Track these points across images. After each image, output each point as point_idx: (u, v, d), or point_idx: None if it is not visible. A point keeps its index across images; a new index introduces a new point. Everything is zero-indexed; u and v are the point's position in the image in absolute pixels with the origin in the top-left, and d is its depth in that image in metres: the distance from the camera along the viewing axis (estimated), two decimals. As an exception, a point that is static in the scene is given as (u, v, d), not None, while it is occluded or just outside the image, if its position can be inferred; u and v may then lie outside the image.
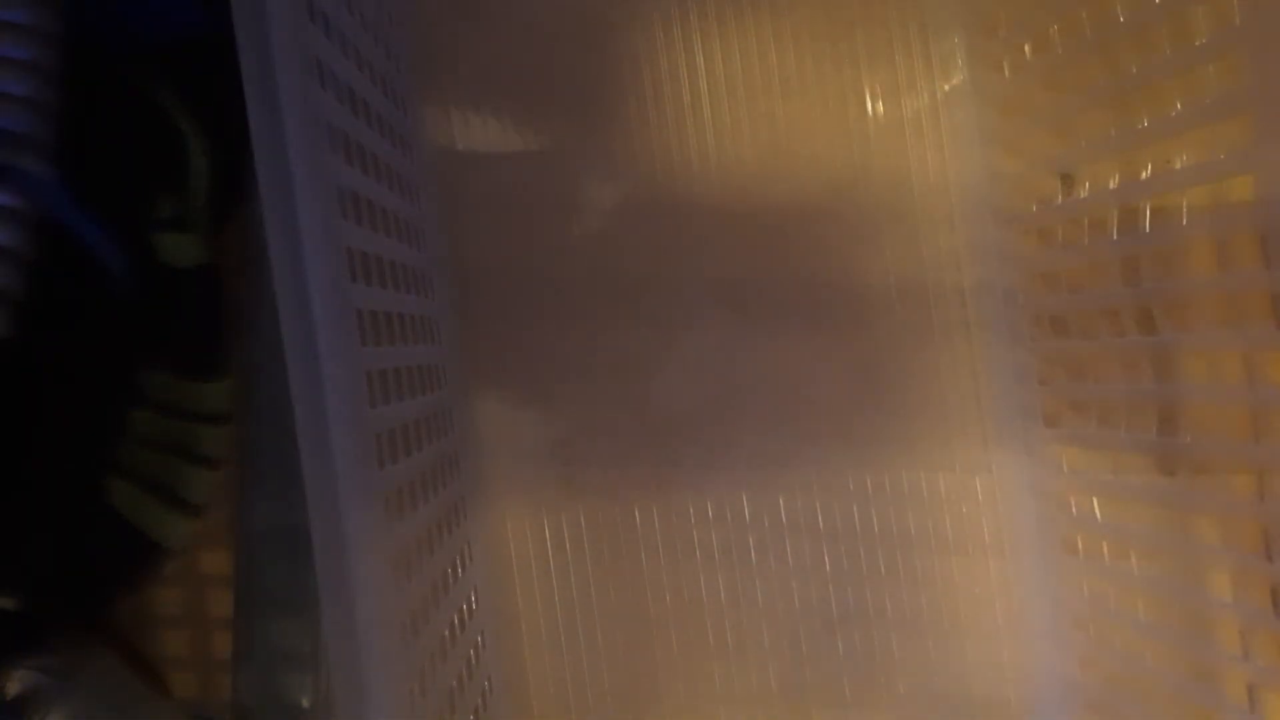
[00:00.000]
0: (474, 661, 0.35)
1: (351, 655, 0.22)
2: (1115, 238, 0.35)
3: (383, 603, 0.24)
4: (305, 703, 0.35)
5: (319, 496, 0.22)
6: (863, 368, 0.41)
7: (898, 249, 0.41)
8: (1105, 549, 0.38)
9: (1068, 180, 0.38)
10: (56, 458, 0.33)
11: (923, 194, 0.41)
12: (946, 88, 0.41)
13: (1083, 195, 0.37)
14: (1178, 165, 0.32)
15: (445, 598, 0.33)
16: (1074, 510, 0.40)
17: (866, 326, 0.41)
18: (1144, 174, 0.33)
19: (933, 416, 0.41)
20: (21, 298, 0.29)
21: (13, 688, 0.33)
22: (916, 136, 0.41)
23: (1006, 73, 0.40)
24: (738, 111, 0.40)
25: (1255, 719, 0.30)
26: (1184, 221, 0.32)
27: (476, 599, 0.37)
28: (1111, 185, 0.35)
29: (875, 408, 0.41)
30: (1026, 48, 0.38)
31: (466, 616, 0.36)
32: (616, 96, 0.40)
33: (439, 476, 0.34)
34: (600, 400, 0.40)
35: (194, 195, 0.34)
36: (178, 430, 0.34)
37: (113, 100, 0.33)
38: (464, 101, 0.40)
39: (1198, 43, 0.29)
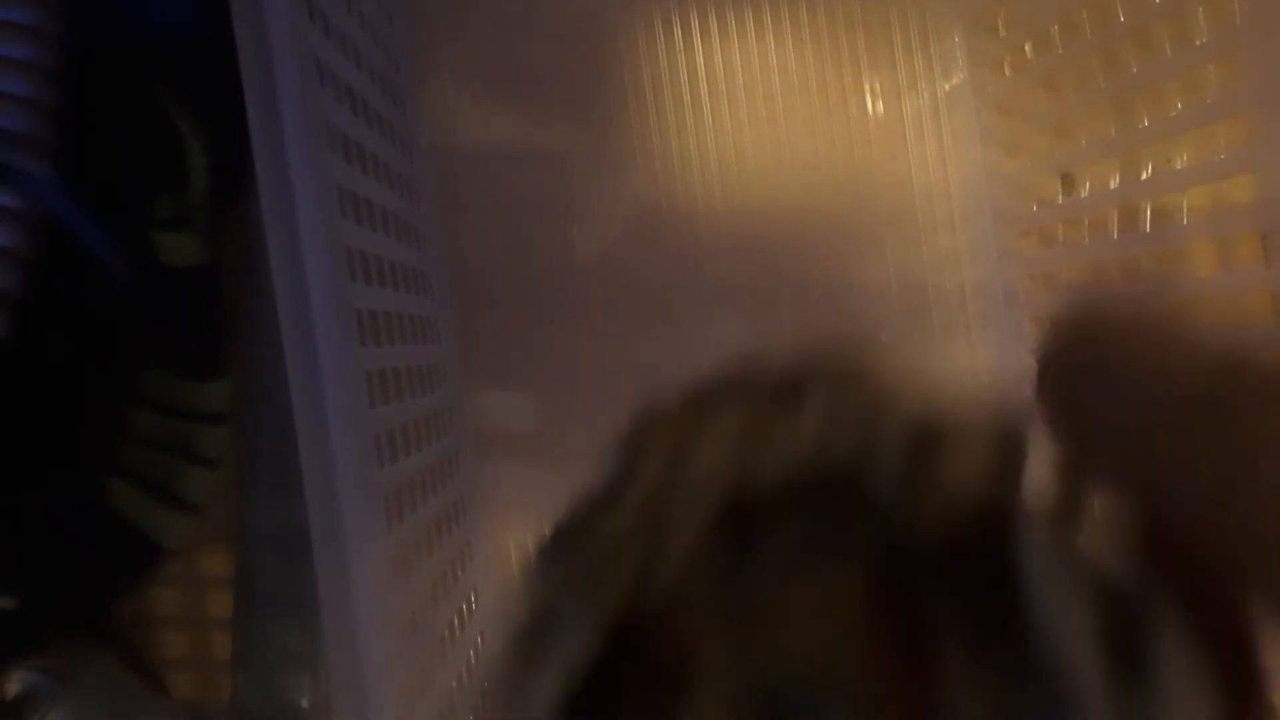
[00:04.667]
0: (474, 661, 0.35)
1: (351, 655, 0.22)
2: (1115, 238, 0.35)
3: (383, 603, 0.24)
4: (305, 703, 0.35)
5: (319, 496, 0.22)
6: (863, 368, 0.41)
7: (898, 249, 0.41)
8: (1105, 549, 0.38)
9: (1068, 180, 0.38)
10: (56, 458, 0.33)
11: (923, 194, 0.41)
12: (947, 87, 0.41)
13: (1083, 195, 0.37)
14: (1178, 165, 0.32)
15: (445, 598, 0.33)
16: (1074, 510, 0.39)
17: (866, 327, 0.41)
18: (1144, 174, 0.33)
19: (933, 416, 0.41)
20: (21, 298, 0.29)
21: (13, 688, 0.33)
22: (917, 136, 0.41)
23: (1007, 72, 0.40)
24: (738, 111, 0.40)
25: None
26: (1184, 221, 0.32)
27: (476, 599, 0.37)
28: (1111, 185, 0.35)
29: (875, 408, 0.41)
30: (1027, 47, 0.38)
31: (466, 617, 0.36)
32: (617, 96, 0.40)
33: (439, 476, 0.34)
34: (599, 399, 0.40)
35: (194, 195, 0.34)
36: (177, 430, 0.34)
37: (113, 100, 0.33)
38: (464, 101, 0.40)
39: (1198, 43, 0.29)
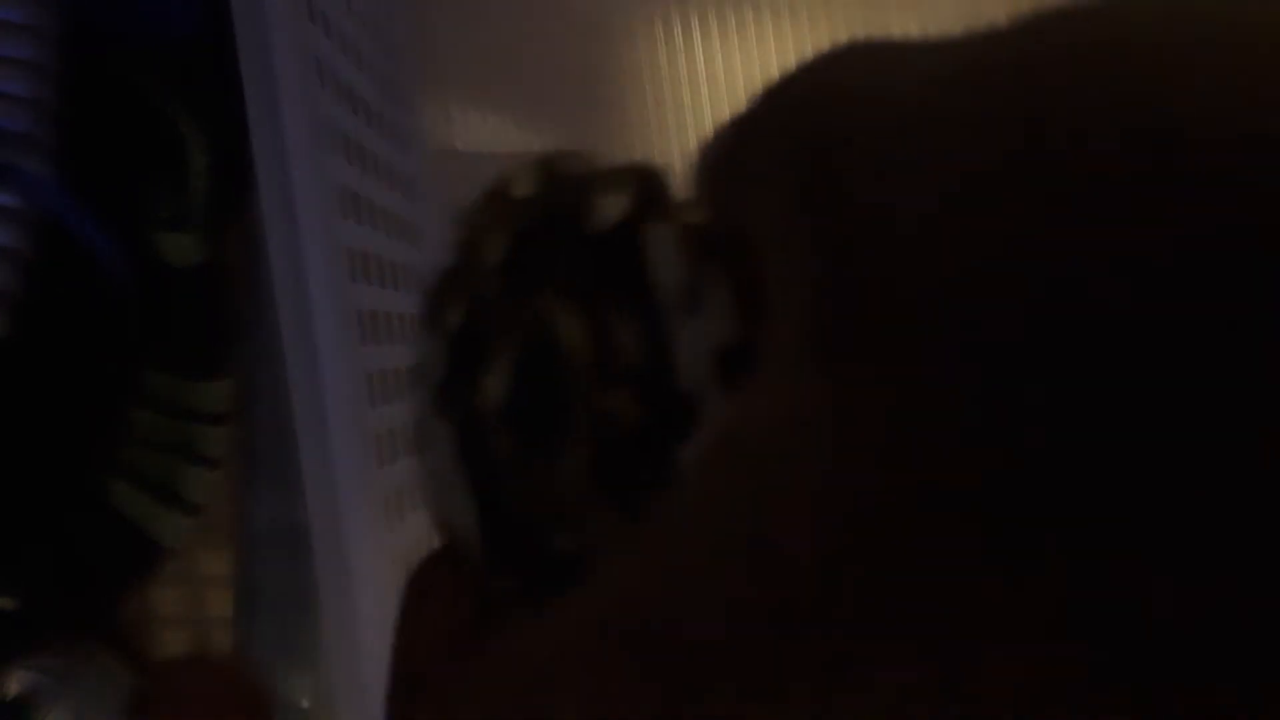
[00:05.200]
0: (474, 661, 0.35)
1: (351, 655, 0.22)
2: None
3: (383, 603, 0.24)
4: (305, 703, 0.35)
5: (319, 496, 0.22)
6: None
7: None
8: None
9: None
10: (57, 458, 0.33)
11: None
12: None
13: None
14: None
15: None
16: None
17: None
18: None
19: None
20: (21, 298, 0.29)
21: (13, 688, 0.33)
22: (917, 136, 0.41)
23: (1007, 72, 0.40)
24: (737, 107, 0.40)
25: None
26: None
27: (476, 599, 0.37)
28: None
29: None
30: (1027, 47, 0.38)
31: (466, 616, 0.36)
32: (616, 97, 0.40)
33: (439, 476, 0.34)
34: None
35: (194, 195, 0.34)
36: (178, 430, 0.35)
37: (113, 100, 0.33)
38: (464, 101, 0.40)
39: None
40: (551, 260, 0.13)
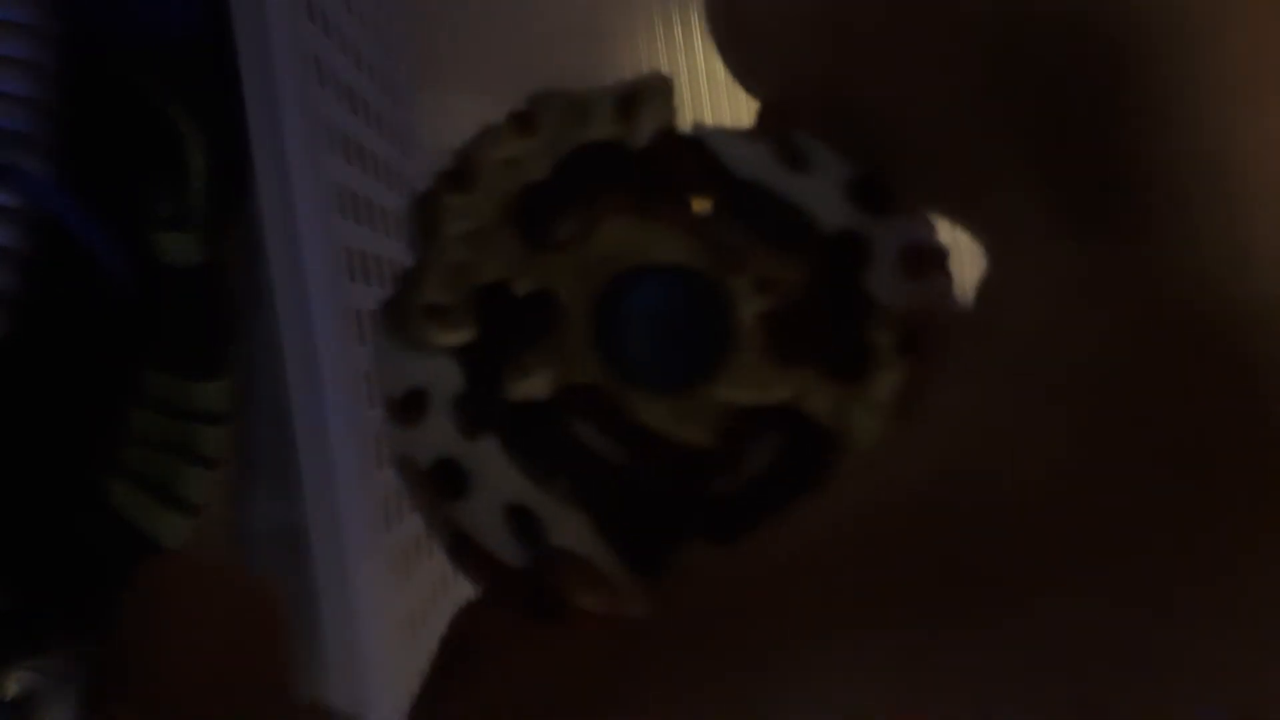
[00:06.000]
0: (474, 662, 0.35)
1: (350, 655, 0.22)
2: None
3: (382, 603, 0.24)
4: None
5: (319, 496, 0.22)
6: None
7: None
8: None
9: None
10: (57, 457, 0.33)
11: (923, 194, 0.41)
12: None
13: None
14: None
15: (445, 598, 0.33)
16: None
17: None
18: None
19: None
20: (21, 298, 0.29)
21: (12, 688, 0.33)
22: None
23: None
24: (738, 112, 0.40)
25: None
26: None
27: (476, 599, 0.37)
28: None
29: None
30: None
31: (466, 617, 0.36)
32: (617, 96, 0.40)
33: (439, 476, 0.34)
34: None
35: (193, 194, 0.34)
36: (176, 430, 0.34)
37: (113, 100, 0.33)
38: (464, 100, 0.40)
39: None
40: (605, 188, 0.12)
